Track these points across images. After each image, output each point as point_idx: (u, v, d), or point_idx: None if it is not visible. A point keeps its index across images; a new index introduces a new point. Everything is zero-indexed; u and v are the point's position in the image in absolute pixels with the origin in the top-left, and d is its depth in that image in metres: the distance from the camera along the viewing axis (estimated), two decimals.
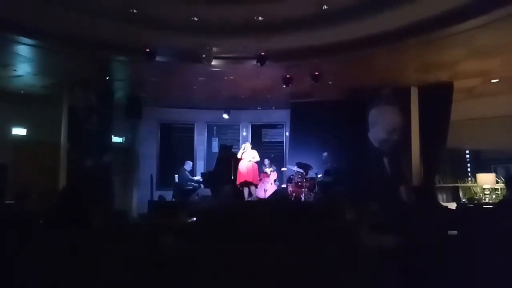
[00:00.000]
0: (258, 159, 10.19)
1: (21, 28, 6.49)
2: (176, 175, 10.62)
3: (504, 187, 5.33)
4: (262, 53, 7.56)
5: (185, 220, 5.31)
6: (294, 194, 9.85)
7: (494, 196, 8.36)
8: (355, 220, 4.78)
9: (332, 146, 10.21)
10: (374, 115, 9.71)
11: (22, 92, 9.22)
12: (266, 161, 10.65)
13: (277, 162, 11.05)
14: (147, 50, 7.34)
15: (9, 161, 8.97)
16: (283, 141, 12.00)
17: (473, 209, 7.36)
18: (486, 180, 8.60)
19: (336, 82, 9.04)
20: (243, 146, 10.36)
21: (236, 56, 7.87)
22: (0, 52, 7.18)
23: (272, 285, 2.86)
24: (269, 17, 6.65)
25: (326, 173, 9.86)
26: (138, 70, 8.57)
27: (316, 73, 8.21)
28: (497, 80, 8.47)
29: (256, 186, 10.19)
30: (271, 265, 2.89)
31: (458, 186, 9.29)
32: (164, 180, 11.34)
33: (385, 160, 9.43)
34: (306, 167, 10.07)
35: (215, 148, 11.87)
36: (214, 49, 7.49)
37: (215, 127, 12.25)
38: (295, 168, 10.13)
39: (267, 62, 7.64)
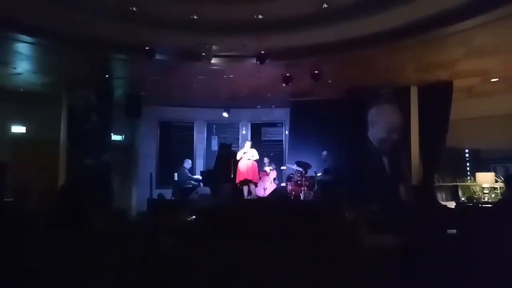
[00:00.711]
0: (257, 157, 10.20)
1: (21, 26, 6.47)
2: (176, 174, 10.61)
3: (503, 186, 5.34)
4: (262, 52, 7.55)
5: (185, 219, 5.32)
6: (293, 192, 9.85)
7: (493, 195, 8.37)
8: (354, 218, 4.80)
9: (331, 145, 10.19)
10: (373, 114, 9.71)
11: (21, 90, 9.22)
12: (266, 160, 10.63)
13: (277, 161, 11.04)
14: (147, 48, 7.32)
15: (8, 159, 8.93)
16: (282, 140, 12.00)
17: (472, 208, 7.37)
18: (486, 179, 8.62)
19: (336, 81, 9.03)
20: (244, 146, 10.36)
21: (235, 54, 7.86)
22: (0, 50, 7.17)
23: (271, 283, 2.87)
24: (269, 16, 6.64)
25: (325, 172, 9.86)
26: (137, 68, 8.56)
27: (316, 72, 8.20)
28: (496, 79, 8.47)
29: (255, 184, 10.19)
30: (270, 263, 2.90)
31: (457, 185, 9.27)
32: (163, 178, 11.33)
33: (385, 159, 9.44)
34: (305, 166, 10.06)
35: (215, 146, 11.85)
36: (214, 47, 7.47)
37: (214, 126, 12.23)
38: (295, 167, 10.12)
39: (266, 61, 7.63)
